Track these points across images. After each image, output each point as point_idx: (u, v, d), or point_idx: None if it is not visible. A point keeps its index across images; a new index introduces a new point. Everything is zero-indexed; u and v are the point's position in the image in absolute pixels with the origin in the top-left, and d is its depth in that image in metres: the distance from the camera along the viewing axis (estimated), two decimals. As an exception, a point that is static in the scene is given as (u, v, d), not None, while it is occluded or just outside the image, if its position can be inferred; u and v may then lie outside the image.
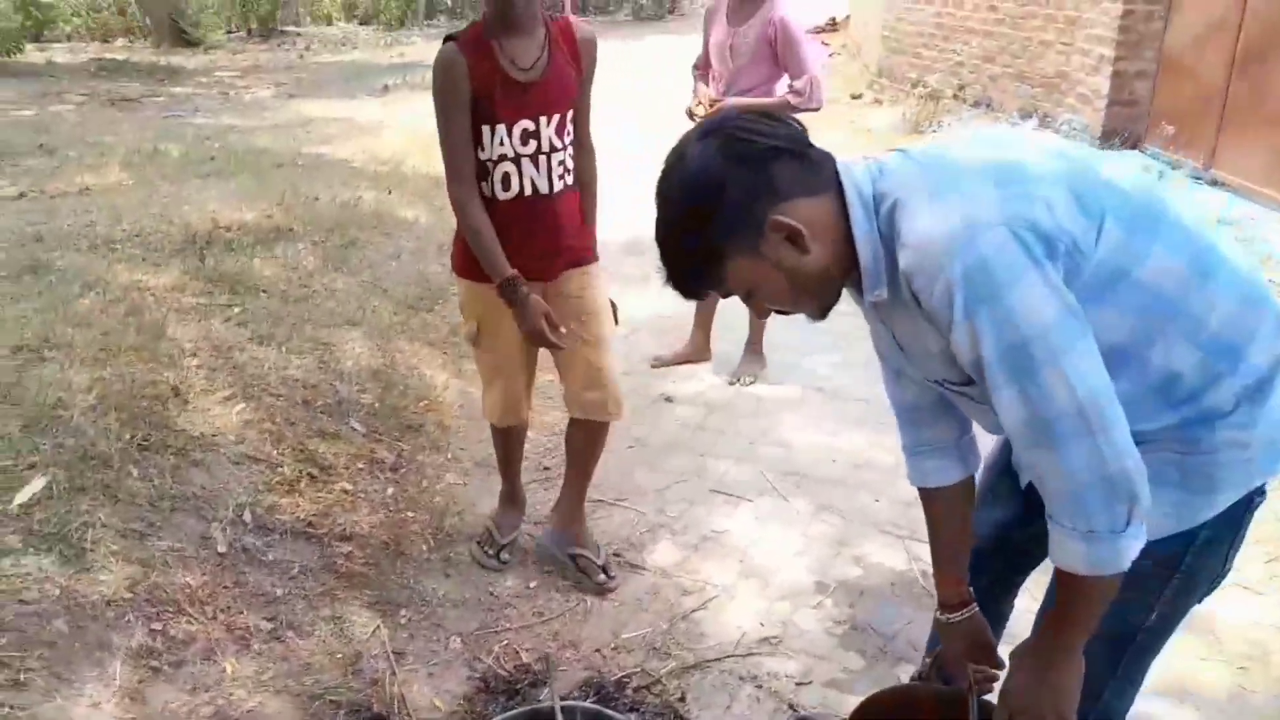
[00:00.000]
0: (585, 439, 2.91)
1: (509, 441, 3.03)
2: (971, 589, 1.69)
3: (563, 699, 2.34)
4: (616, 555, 3.03)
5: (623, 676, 2.53)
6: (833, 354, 4.49)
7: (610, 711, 2.22)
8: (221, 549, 2.61)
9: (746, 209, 1.27)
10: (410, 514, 3.12)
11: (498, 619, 2.76)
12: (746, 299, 1.39)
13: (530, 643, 2.66)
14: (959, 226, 1.19)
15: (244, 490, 2.84)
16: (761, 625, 2.74)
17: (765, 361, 4.36)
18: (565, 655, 2.62)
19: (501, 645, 2.64)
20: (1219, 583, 1.48)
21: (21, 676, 2.01)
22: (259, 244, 4.48)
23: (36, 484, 2.46)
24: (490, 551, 2.97)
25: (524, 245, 2.59)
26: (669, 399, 4.14)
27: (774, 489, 3.44)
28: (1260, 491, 1.40)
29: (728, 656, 2.61)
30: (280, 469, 3.00)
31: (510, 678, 2.52)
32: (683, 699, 2.47)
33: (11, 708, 1.94)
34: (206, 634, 2.34)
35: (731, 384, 4.27)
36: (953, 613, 1.68)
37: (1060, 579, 1.28)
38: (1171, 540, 1.38)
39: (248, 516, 2.75)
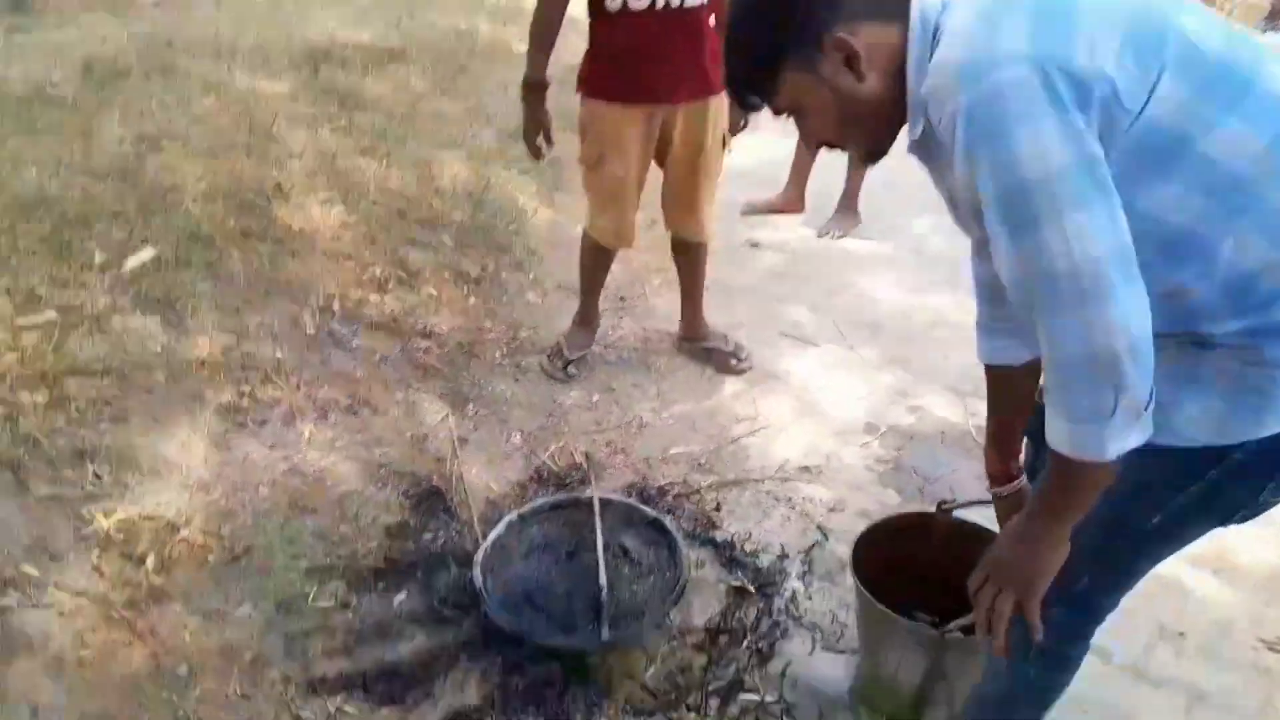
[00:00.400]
0: (687, 257, 3.19)
1: (600, 264, 3.14)
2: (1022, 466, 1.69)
3: (604, 496, 2.51)
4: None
5: (665, 485, 2.67)
6: (932, 215, 4.41)
7: (643, 507, 2.37)
8: (310, 331, 2.83)
9: (811, 18, 1.22)
10: (488, 323, 3.28)
11: (558, 423, 2.92)
12: (795, 119, 1.35)
13: (585, 447, 2.82)
14: (981, 54, 1.08)
15: (335, 283, 3.04)
16: (805, 455, 2.83)
17: (859, 218, 4.30)
18: (615, 461, 2.78)
19: (558, 445, 2.81)
20: (1247, 519, 1.33)
21: (123, 414, 2.27)
22: (372, 64, 4.60)
23: (146, 254, 2.70)
24: (558, 364, 3.11)
25: (652, 62, 2.62)
26: (755, 244, 4.16)
27: (844, 338, 3.47)
28: None
29: (767, 479, 2.71)
30: (371, 268, 3.19)
31: (561, 473, 2.69)
32: (718, 509, 2.60)
33: (114, 439, 2.21)
34: (289, 401, 2.58)
35: (820, 236, 4.25)
36: (1000, 486, 1.67)
37: (1051, 455, 1.17)
38: (1202, 452, 1.24)
39: (336, 306, 2.96)
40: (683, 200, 3.00)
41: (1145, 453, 1.12)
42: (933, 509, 2.05)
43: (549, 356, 3.15)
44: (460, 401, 2.88)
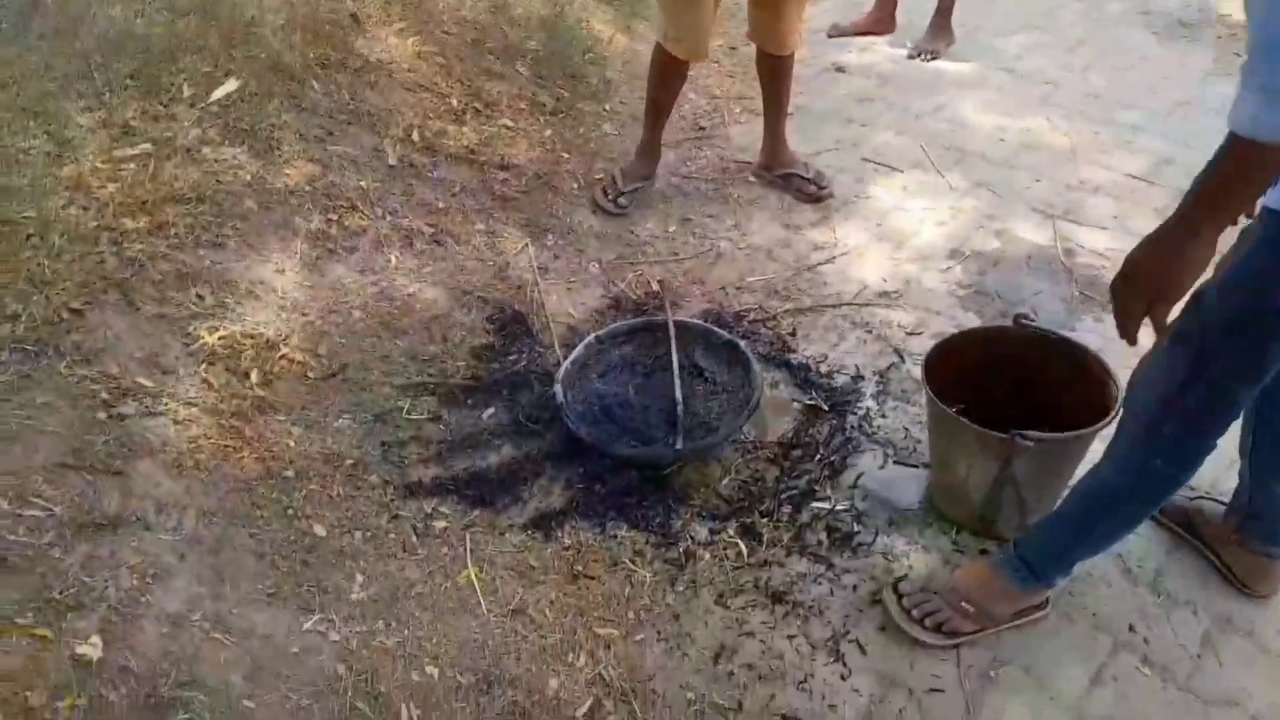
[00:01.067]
0: (770, 71, 3.06)
1: (669, 83, 3.04)
2: None
3: (680, 320, 2.55)
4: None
5: (741, 310, 2.70)
6: (1029, 33, 4.17)
7: (719, 329, 2.41)
8: (391, 162, 2.87)
9: None
10: (565, 154, 3.27)
11: (635, 253, 2.95)
12: None
13: (661, 275, 2.85)
14: None
15: (414, 114, 3.06)
16: (884, 281, 2.81)
17: (953, 36, 4.09)
18: (692, 289, 2.80)
19: (635, 274, 2.84)
20: None
21: (219, 239, 2.37)
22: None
23: (230, 85, 2.75)
24: (610, 197, 3.08)
25: None
26: (840, 69, 4.01)
27: (931, 163, 3.36)
28: None
29: (844, 304, 2.71)
30: (448, 99, 3.19)
31: (639, 300, 2.74)
32: (794, 334, 2.62)
33: (212, 262, 2.32)
34: (375, 229, 2.65)
35: (911, 57, 4.06)
36: None
37: (1225, 143, 1.12)
38: None
39: (416, 137, 2.98)
40: (767, 5, 2.87)
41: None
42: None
43: (602, 189, 3.11)
44: (539, 232, 2.92)
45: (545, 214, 3.01)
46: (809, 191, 3.16)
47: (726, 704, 1.77)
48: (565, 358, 2.40)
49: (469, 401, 2.34)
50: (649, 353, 2.43)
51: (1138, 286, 1.28)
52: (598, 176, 3.17)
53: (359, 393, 2.26)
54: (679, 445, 2.11)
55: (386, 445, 2.17)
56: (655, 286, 2.79)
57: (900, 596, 1.87)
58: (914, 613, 1.84)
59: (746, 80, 3.91)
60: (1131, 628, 1.88)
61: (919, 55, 4.06)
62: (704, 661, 1.84)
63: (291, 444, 2.09)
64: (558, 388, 2.24)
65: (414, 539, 2.00)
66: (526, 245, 2.85)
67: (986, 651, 1.84)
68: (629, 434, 2.22)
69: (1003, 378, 2.05)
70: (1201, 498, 2.04)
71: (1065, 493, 1.81)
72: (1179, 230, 1.21)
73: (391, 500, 2.06)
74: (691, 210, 3.15)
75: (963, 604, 1.81)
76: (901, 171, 3.32)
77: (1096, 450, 1.73)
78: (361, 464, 2.12)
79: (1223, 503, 1.97)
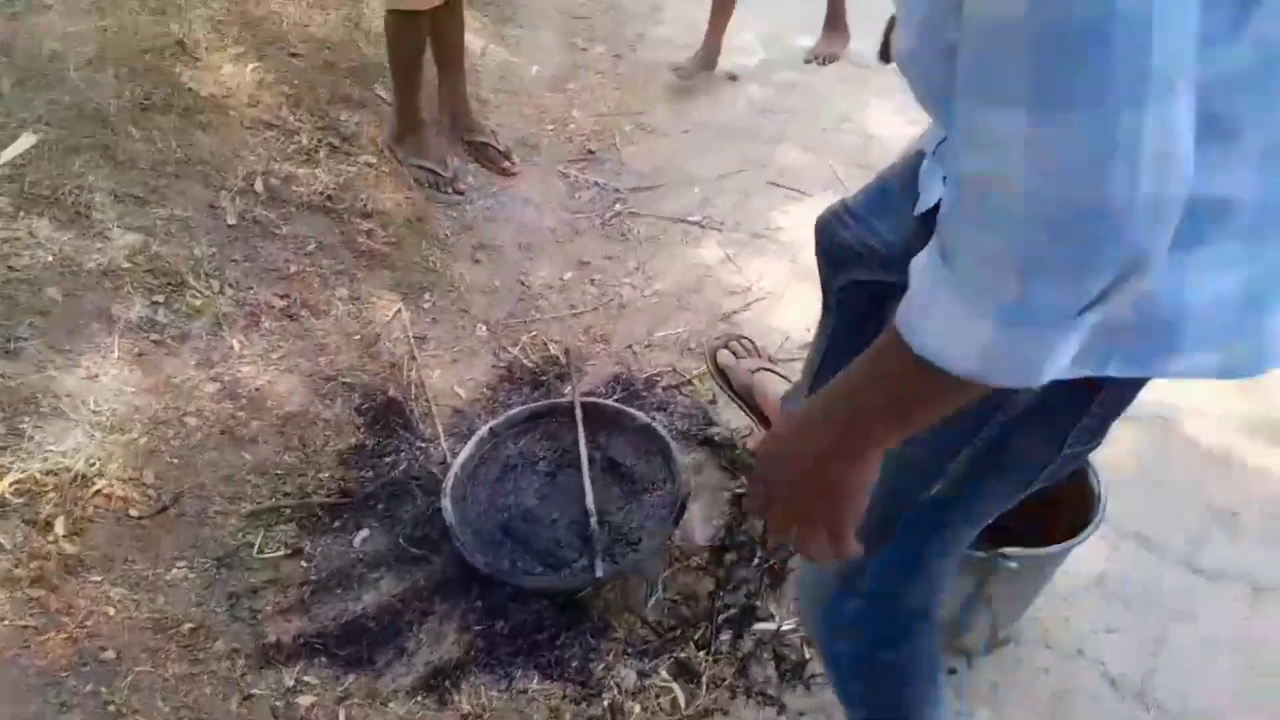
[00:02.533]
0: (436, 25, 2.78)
1: (413, 42, 2.74)
2: None
3: (588, 394, 2.21)
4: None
5: (653, 375, 2.37)
6: (930, 32, 3.94)
7: (632, 410, 2.08)
8: (231, 220, 2.43)
9: None
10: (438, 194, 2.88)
11: (528, 309, 2.58)
12: None
13: (560, 334, 2.50)
14: None
15: (257, 158, 2.61)
16: (808, 330, 2.52)
17: (849, 37, 3.81)
18: (595, 350, 2.46)
19: (530, 336, 2.48)
20: (1063, 467, 0.98)
21: (11, 345, 1.91)
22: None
23: (25, 141, 2.26)
24: (445, 188, 2.86)
25: None
26: (734, 77, 3.70)
27: (841, 183, 3.09)
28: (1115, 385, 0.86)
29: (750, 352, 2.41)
30: (297, 137, 2.75)
31: (536, 369, 2.38)
32: (714, 401, 2.31)
33: (3, 378, 1.86)
34: (213, 309, 2.22)
35: (808, 63, 3.78)
36: None
37: (899, 357, 0.68)
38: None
39: (260, 186, 2.54)
40: None
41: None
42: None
43: (431, 185, 2.86)
44: (414, 292, 2.53)
45: (420, 268, 2.61)
46: (501, 165, 3.01)
47: None
48: (452, 455, 2.03)
49: (336, 524, 1.95)
50: (553, 444, 2.08)
51: (807, 518, 0.82)
52: (415, 176, 2.85)
53: (197, 529, 1.84)
54: (599, 572, 1.77)
55: (234, 597, 1.77)
56: (554, 350, 2.43)
57: None
58: None
59: (634, 91, 3.58)
60: None
61: (816, 60, 3.77)
62: None
63: (111, 612, 1.67)
64: (445, 503, 1.87)
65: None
66: (399, 311, 2.45)
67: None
68: (535, 556, 1.87)
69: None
70: (764, 369, 2.06)
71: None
72: (835, 466, 0.77)
73: (243, 675, 1.66)
74: (587, 251, 2.80)
75: None
76: (812, 196, 3.03)
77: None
78: (203, 628, 1.71)
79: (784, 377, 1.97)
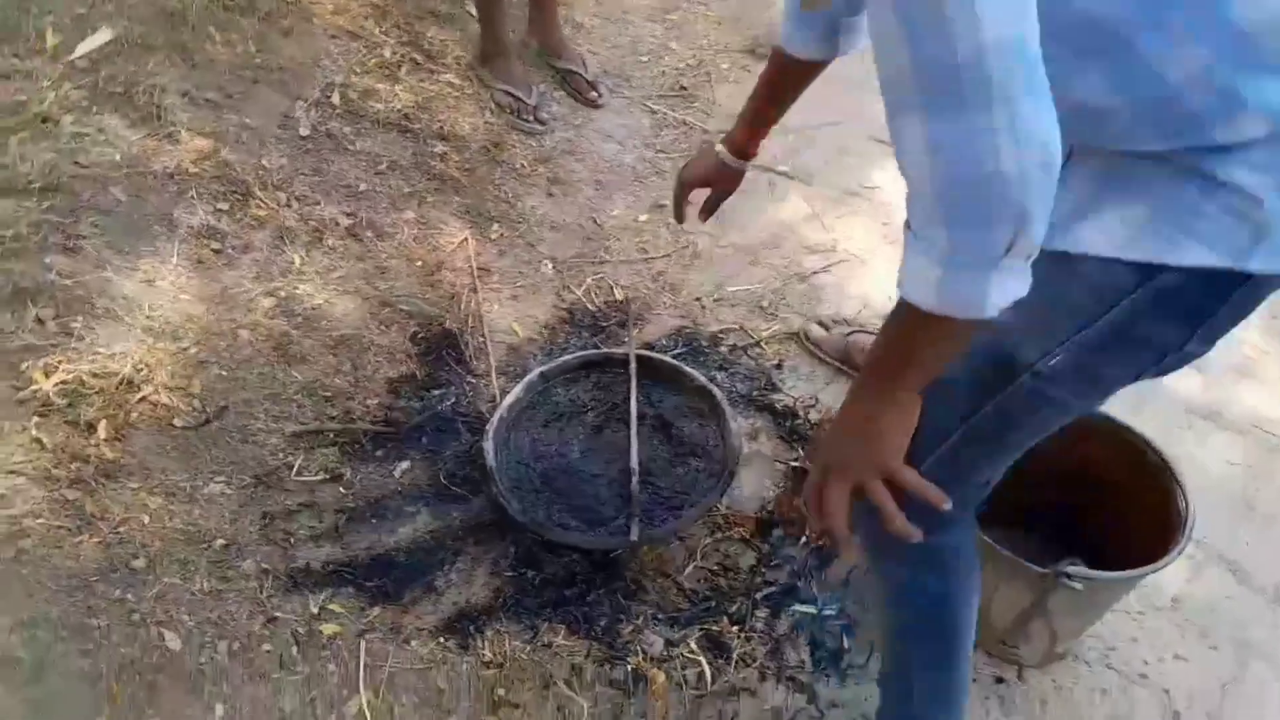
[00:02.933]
0: None
1: None
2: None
3: (647, 346, 2.12)
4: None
5: (719, 331, 2.27)
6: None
7: (690, 369, 1.98)
8: (304, 131, 2.38)
9: None
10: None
11: (597, 249, 2.49)
12: None
13: (627, 279, 2.40)
14: None
15: (336, 68, 2.55)
16: (890, 299, 2.37)
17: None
18: (662, 299, 2.36)
19: (595, 277, 2.39)
20: (1175, 364, 1.02)
21: (71, 242, 1.90)
22: None
23: (103, 35, 2.23)
24: (528, 117, 2.74)
25: None
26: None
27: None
28: (1248, 283, 0.92)
29: (840, 322, 2.28)
30: (380, 50, 2.67)
31: (598, 313, 2.30)
32: (779, 366, 2.20)
33: (59, 275, 1.84)
34: (278, 221, 2.17)
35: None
36: (731, 160, 1.62)
37: (899, 305, 0.88)
38: (1121, 266, 0.94)
39: (337, 98, 2.48)
40: None
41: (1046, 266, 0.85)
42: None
43: (513, 113, 2.75)
44: (483, 221, 2.45)
45: (491, 198, 2.53)
46: (587, 96, 2.90)
47: None
48: (502, 395, 1.97)
49: (379, 454, 1.91)
50: (604, 395, 2.00)
51: (838, 472, 0.96)
52: (496, 100, 2.76)
53: (239, 445, 1.82)
54: (634, 535, 1.70)
55: (269, 518, 1.75)
56: (619, 296, 2.34)
57: None
58: None
59: (738, 28, 3.40)
60: None
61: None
62: (650, 834, 1.47)
63: (146, 521, 1.66)
64: (487, 445, 1.81)
65: (294, 650, 1.59)
66: (465, 239, 2.38)
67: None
68: (572, 510, 1.80)
69: (1046, 466, 1.65)
70: (856, 331, 2.17)
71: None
72: (870, 395, 0.95)
73: (270, 596, 1.65)
74: (666, 194, 2.67)
75: None
76: (912, 154, 2.84)
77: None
78: (235, 545, 1.69)
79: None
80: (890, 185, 2.72)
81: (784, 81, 1.49)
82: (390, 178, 2.41)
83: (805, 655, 1.68)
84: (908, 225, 0.85)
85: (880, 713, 1.46)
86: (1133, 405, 1.86)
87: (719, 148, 1.61)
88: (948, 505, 0.94)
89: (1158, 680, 1.66)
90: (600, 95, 2.92)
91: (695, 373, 1.96)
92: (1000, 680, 1.65)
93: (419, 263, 2.28)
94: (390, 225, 2.32)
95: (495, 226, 2.46)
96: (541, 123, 2.75)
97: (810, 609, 1.74)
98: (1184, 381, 2.17)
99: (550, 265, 2.42)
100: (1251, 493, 1.97)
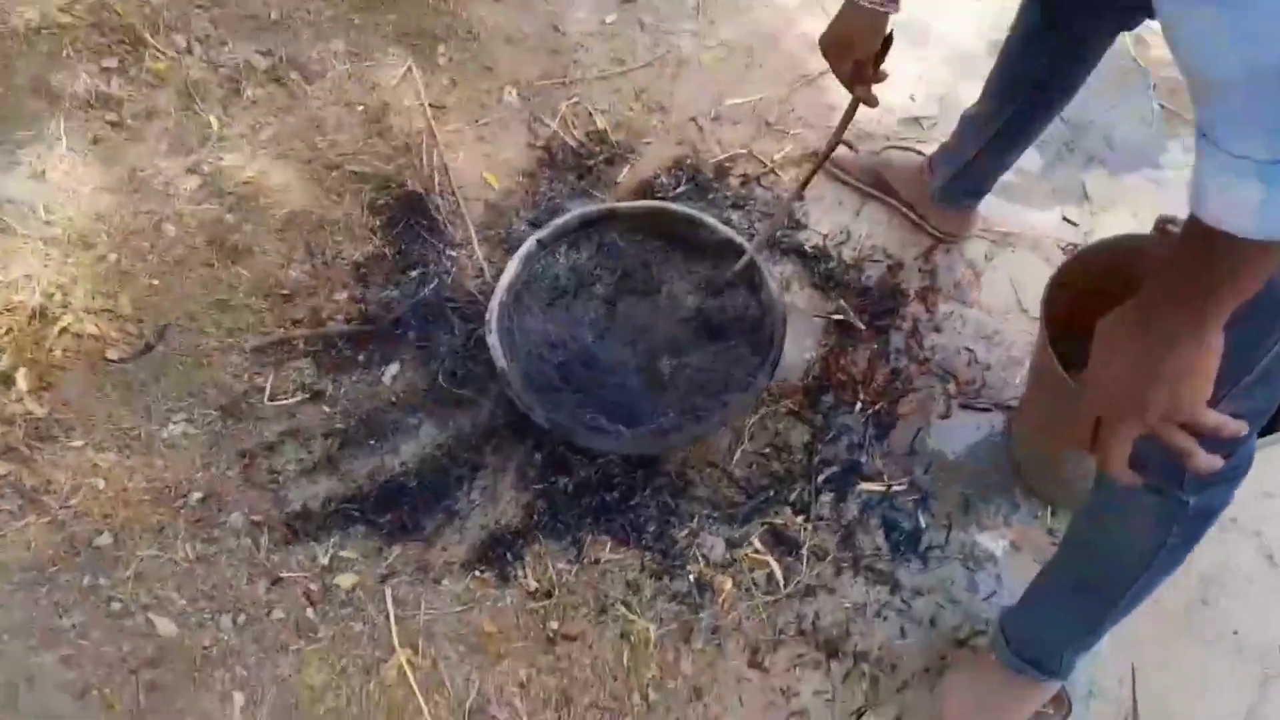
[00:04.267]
0: None
1: None
2: None
3: (650, 187, 1.82)
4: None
5: (724, 160, 1.95)
6: None
7: (709, 218, 1.68)
8: (190, -50, 1.89)
9: None
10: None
11: (565, 65, 2.10)
12: None
13: (606, 100, 2.04)
14: None
15: None
16: (912, 100, 2.06)
17: None
18: (651, 123, 2.02)
19: (570, 102, 2.03)
20: None
21: (-78, 134, 1.48)
22: None
23: None
24: None
25: None
26: None
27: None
28: None
29: (862, 139, 1.98)
30: None
31: (581, 149, 1.95)
32: (802, 197, 1.90)
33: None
34: (180, 74, 1.75)
35: None
36: None
37: (1195, 229, 0.68)
38: None
39: (220, -100, 1.97)
40: None
41: None
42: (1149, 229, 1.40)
43: None
44: (426, 42, 2.03)
45: (430, 10, 2.10)
46: None
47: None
48: (489, 266, 1.68)
49: (360, 359, 1.62)
50: (611, 261, 1.71)
51: (1125, 417, 0.80)
52: None
53: (192, 372, 1.52)
54: (674, 429, 1.47)
55: (247, 456, 1.48)
56: (601, 124, 1.99)
57: None
58: None
59: None
60: None
61: None
62: (744, 764, 1.34)
63: (101, 485, 1.38)
64: (492, 339, 1.53)
65: (310, 613, 1.38)
66: (409, 70, 1.98)
67: None
68: (601, 407, 1.56)
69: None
70: (889, 148, 1.96)
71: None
72: (1168, 330, 0.76)
73: (268, 554, 1.41)
74: (633, -18, 2.26)
75: None
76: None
77: None
78: (214, 497, 1.43)
79: (915, 151, 1.91)
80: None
81: None
82: (307, 1, 1.96)
83: (880, 540, 1.52)
84: (1202, 135, 0.63)
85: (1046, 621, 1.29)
86: None
87: None
88: (1245, 430, 0.79)
89: (1249, 524, 1.55)
90: None
91: (716, 224, 1.67)
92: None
93: (360, 107, 1.89)
94: (316, 61, 1.91)
95: (441, 49, 2.05)
96: None
97: (878, 486, 1.56)
98: None
99: (514, 92, 2.04)
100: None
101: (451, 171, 1.86)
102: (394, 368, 1.62)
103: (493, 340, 1.52)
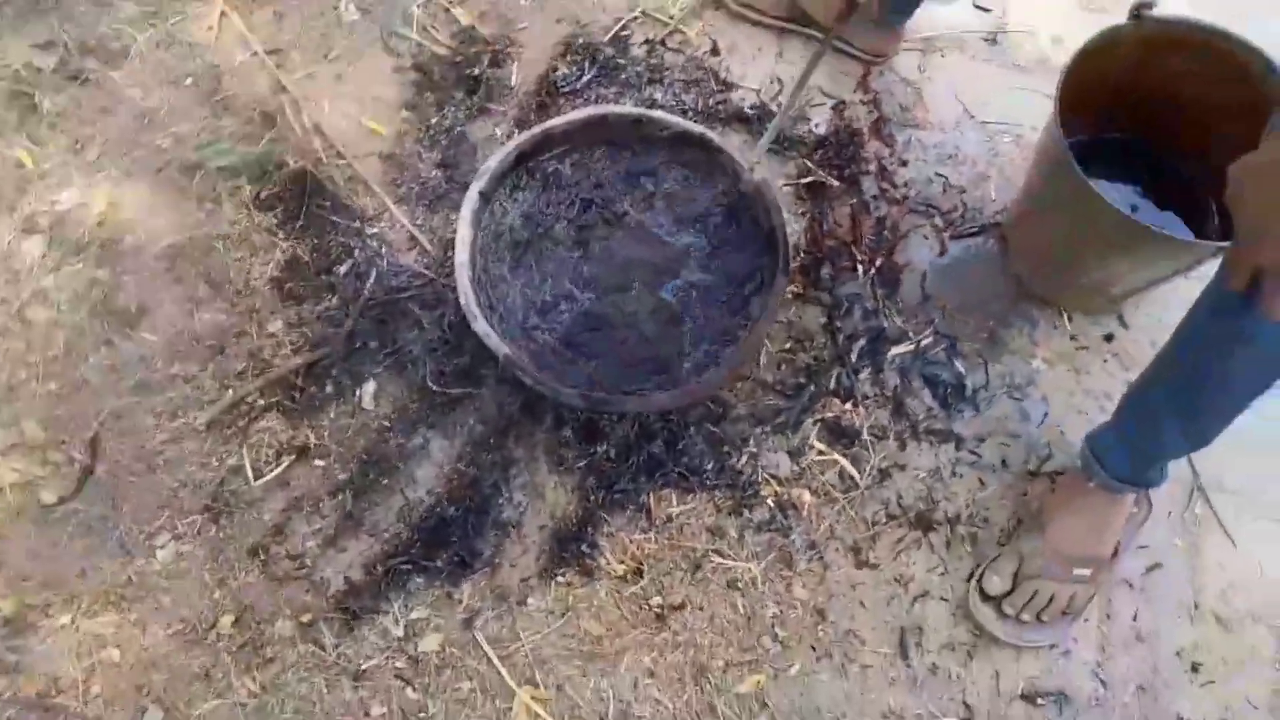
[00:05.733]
0: None
1: None
2: None
3: (551, 84, 1.62)
4: None
5: (618, 30, 1.73)
6: None
7: (655, 113, 1.49)
8: None
9: None
10: None
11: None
12: None
13: (461, -9, 1.74)
14: None
15: None
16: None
17: None
18: (519, 3, 1.74)
19: (419, 3, 1.71)
20: None
21: None
22: None
23: None
24: None
25: None
26: None
27: None
28: None
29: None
30: None
31: (457, 56, 1.68)
32: (715, 51, 1.72)
33: None
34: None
35: None
36: None
37: None
38: None
39: None
40: None
41: None
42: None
43: None
44: (227, -25, 1.64)
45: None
46: None
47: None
48: (416, 229, 1.46)
49: (328, 390, 1.38)
50: (565, 194, 1.50)
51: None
52: None
53: (150, 478, 1.25)
54: (712, 363, 1.35)
55: (260, 553, 1.26)
56: (465, 20, 1.70)
57: (998, 603, 1.37)
58: (1024, 617, 1.35)
59: None
60: None
61: None
62: (892, 667, 1.34)
63: (116, 655, 1.15)
64: (481, 328, 1.32)
65: (410, 693, 1.23)
66: (222, 13, 1.60)
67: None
68: (625, 365, 1.40)
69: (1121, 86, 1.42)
70: None
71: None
72: None
73: (336, 648, 1.23)
74: None
75: (1075, 569, 1.35)
76: None
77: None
78: (247, 613, 1.22)
79: None
80: None
81: None
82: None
83: (929, 399, 1.49)
84: None
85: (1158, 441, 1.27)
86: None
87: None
88: None
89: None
90: None
91: (666, 116, 1.48)
92: (1110, 338, 1.55)
93: (188, 80, 1.53)
94: (112, 37, 1.51)
95: (243, -26, 1.66)
96: None
97: (907, 347, 1.51)
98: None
99: (350, 5, 1.70)
100: None
101: (328, 130, 1.56)
102: (370, 387, 1.40)
103: (481, 327, 1.32)
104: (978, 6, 1.81)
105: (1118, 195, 1.51)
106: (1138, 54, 1.38)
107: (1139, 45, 1.37)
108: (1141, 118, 1.47)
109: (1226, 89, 1.35)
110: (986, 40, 1.77)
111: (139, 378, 1.30)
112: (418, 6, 1.70)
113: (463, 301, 1.33)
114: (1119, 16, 1.34)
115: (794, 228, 1.59)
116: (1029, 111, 1.69)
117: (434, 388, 1.40)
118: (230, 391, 1.32)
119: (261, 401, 1.34)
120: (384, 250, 1.48)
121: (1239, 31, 1.32)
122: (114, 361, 1.29)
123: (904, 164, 1.65)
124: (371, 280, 1.44)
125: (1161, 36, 1.36)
